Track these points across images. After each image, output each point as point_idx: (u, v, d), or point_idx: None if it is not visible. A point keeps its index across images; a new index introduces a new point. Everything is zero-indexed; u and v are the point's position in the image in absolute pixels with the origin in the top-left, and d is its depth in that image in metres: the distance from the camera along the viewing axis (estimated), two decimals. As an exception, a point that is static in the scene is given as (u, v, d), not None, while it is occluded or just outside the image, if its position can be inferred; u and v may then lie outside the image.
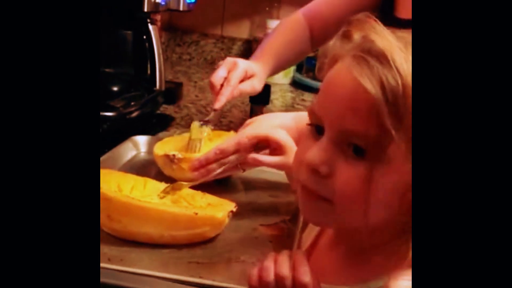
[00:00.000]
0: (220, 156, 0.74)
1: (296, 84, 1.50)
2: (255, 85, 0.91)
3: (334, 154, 0.44)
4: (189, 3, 1.22)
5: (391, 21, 0.94)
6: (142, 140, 0.93)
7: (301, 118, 0.78)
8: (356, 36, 0.45)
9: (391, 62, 0.41)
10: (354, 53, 0.43)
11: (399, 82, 0.41)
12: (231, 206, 0.66)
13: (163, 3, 1.12)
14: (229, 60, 0.89)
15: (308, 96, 1.41)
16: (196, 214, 0.62)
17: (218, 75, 0.86)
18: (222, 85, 0.86)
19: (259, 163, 0.73)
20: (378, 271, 0.46)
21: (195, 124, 0.84)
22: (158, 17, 1.28)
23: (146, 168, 0.86)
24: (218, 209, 0.65)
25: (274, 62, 0.96)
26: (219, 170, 0.74)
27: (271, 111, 1.11)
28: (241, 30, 1.63)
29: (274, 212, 0.75)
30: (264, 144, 0.73)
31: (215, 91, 0.86)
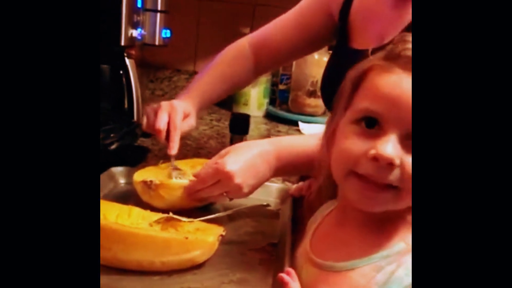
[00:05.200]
0: (202, 186, 0.76)
1: (270, 116, 1.53)
2: (192, 123, 0.94)
3: (401, 147, 0.51)
4: (164, 38, 1.24)
5: (347, 51, 0.98)
6: (121, 171, 0.93)
7: (279, 142, 0.80)
8: (401, 49, 0.53)
9: None
10: (404, 63, 0.51)
11: None
12: (220, 230, 0.66)
13: (139, 37, 1.14)
14: (165, 103, 0.90)
15: (283, 128, 1.43)
16: (187, 238, 0.61)
17: (162, 121, 0.87)
18: (167, 130, 0.87)
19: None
20: (392, 236, 0.54)
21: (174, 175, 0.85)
22: (133, 52, 1.29)
23: (126, 198, 0.85)
24: (208, 233, 0.65)
25: (202, 99, 0.98)
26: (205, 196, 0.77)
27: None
28: (214, 66, 1.65)
29: (260, 237, 0.75)
30: None
31: (162, 136, 0.87)
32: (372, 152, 0.51)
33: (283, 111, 1.51)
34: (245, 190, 0.75)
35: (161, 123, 0.87)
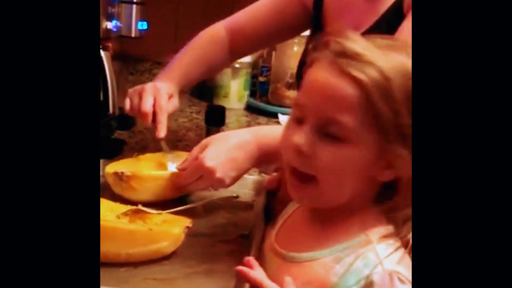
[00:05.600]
0: (186, 182, 0.78)
1: (250, 108, 1.53)
2: (176, 104, 0.95)
3: (315, 137, 0.53)
4: (140, 30, 1.23)
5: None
6: (96, 164, 0.92)
7: (259, 131, 0.80)
8: (333, 42, 0.54)
9: (369, 59, 0.50)
10: (332, 56, 0.52)
11: (379, 75, 0.50)
12: (187, 222, 0.66)
13: (114, 29, 1.13)
14: (149, 86, 0.90)
15: (262, 120, 1.43)
16: (151, 230, 0.61)
17: (148, 104, 0.87)
18: (153, 112, 0.87)
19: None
20: (354, 229, 0.55)
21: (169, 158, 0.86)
22: (110, 44, 1.28)
23: (101, 191, 0.84)
24: (174, 224, 0.65)
25: (182, 80, 0.98)
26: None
27: (226, 133, 1.12)
28: (194, 58, 1.64)
29: (232, 228, 0.75)
30: None
31: (149, 119, 0.87)
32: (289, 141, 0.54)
33: (263, 103, 1.51)
34: (227, 182, 0.76)
35: (147, 105, 0.87)
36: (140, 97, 0.88)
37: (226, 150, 0.75)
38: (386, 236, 0.54)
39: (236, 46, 1.03)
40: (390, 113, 0.50)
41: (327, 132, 0.52)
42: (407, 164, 0.50)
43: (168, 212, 0.70)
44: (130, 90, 0.93)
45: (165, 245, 0.62)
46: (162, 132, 0.87)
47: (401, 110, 0.50)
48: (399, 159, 0.51)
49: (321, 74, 0.53)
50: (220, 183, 0.75)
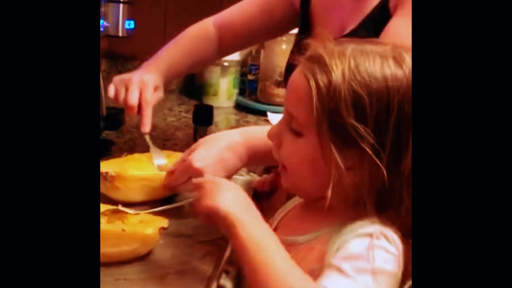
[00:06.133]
0: (176, 183, 0.78)
1: (239, 106, 1.53)
2: (160, 95, 0.95)
3: (284, 129, 0.58)
4: (128, 29, 1.22)
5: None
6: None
7: (248, 132, 0.80)
8: (310, 46, 0.58)
9: (327, 64, 0.54)
10: (304, 58, 0.57)
11: (328, 79, 0.53)
12: (163, 222, 0.66)
13: (101, 29, 1.13)
14: (136, 78, 0.89)
15: (251, 118, 1.43)
16: (124, 230, 0.61)
17: (134, 97, 0.87)
18: (139, 105, 0.88)
19: None
20: (355, 216, 0.55)
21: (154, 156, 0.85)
22: (98, 43, 1.28)
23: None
24: (149, 225, 0.65)
25: (168, 73, 0.98)
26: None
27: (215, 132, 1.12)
28: (183, 56, 1.63)
29: (215, 229, 0.75)
30: None
31: (134, 112, 0.88)
32: None
33: (252, 101, 1.51)
34: None
35: (133, 98, 0.87)
36: (127, 89, 0.88)
37: (215, 151, 0.75)
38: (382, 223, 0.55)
39: (225, 43, 1.03)
40: (328, 113, 0.53)
41: (291, 126, 0.57)
42: (362, 168, 0.53)
43: (146, 213, 0.70)
44: (116, 78, 0.93)
45: (138, 246, 0.63)
46: (147, 126, 0.87)
47: (342, 113, 0.52)
48: (348, 160, 0.53)
49: (293, 74, 0.58)
50: None
